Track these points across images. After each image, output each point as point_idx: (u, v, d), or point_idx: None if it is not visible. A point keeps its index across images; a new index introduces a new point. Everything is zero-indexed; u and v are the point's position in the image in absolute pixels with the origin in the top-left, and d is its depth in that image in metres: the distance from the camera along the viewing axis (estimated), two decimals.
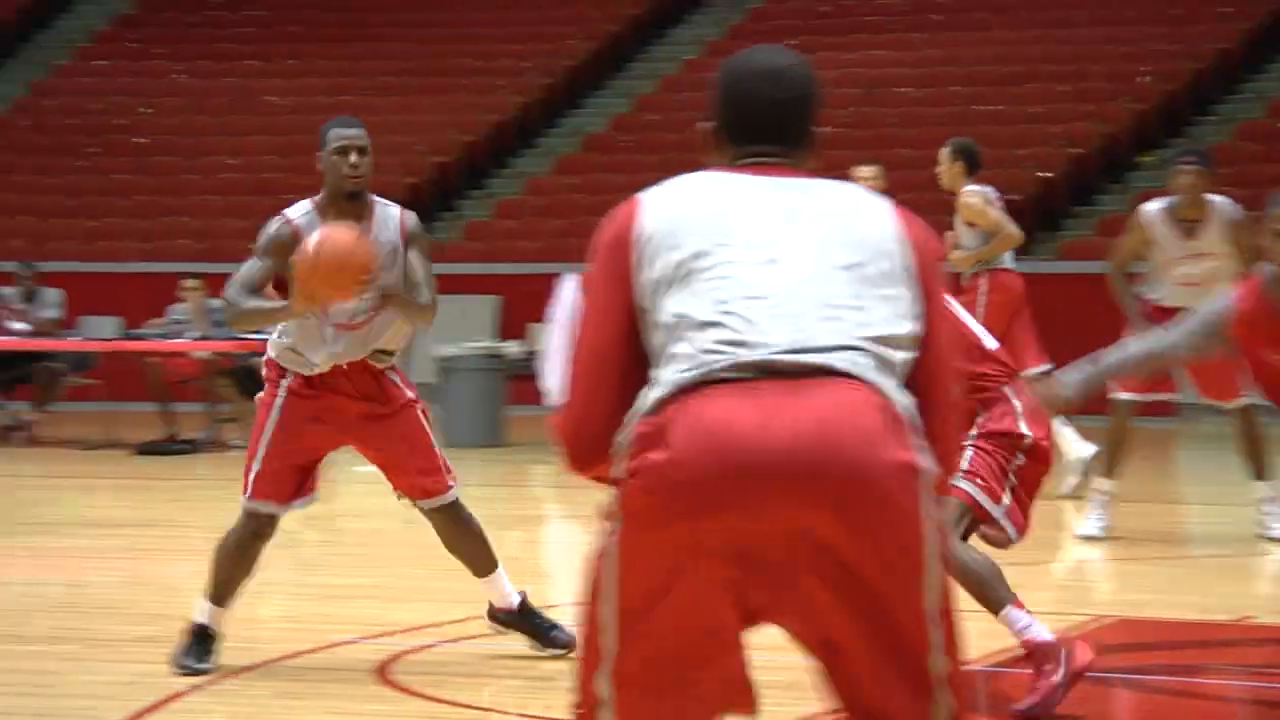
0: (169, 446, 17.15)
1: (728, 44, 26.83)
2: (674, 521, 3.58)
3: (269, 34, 28.05)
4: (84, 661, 8.07)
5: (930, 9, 26.23)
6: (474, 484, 15.85)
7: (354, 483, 16.04)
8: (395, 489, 8.23)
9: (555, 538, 13.79)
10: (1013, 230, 13.18)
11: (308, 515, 13.01)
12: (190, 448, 17.16)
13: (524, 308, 20.28)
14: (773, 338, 3.64)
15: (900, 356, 3.72)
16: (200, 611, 7.83)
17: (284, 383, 7.96)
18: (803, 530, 3.53)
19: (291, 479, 7.89)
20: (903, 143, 21.85)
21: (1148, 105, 23.40)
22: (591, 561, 3.78)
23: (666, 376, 3.66)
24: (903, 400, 3.64)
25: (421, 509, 8.21)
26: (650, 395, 3.68)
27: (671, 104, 25.60)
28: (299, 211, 7.89)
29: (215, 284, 17.96)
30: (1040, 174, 22.23)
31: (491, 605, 8.22)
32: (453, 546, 8.25)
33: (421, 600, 9.63)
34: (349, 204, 7.76)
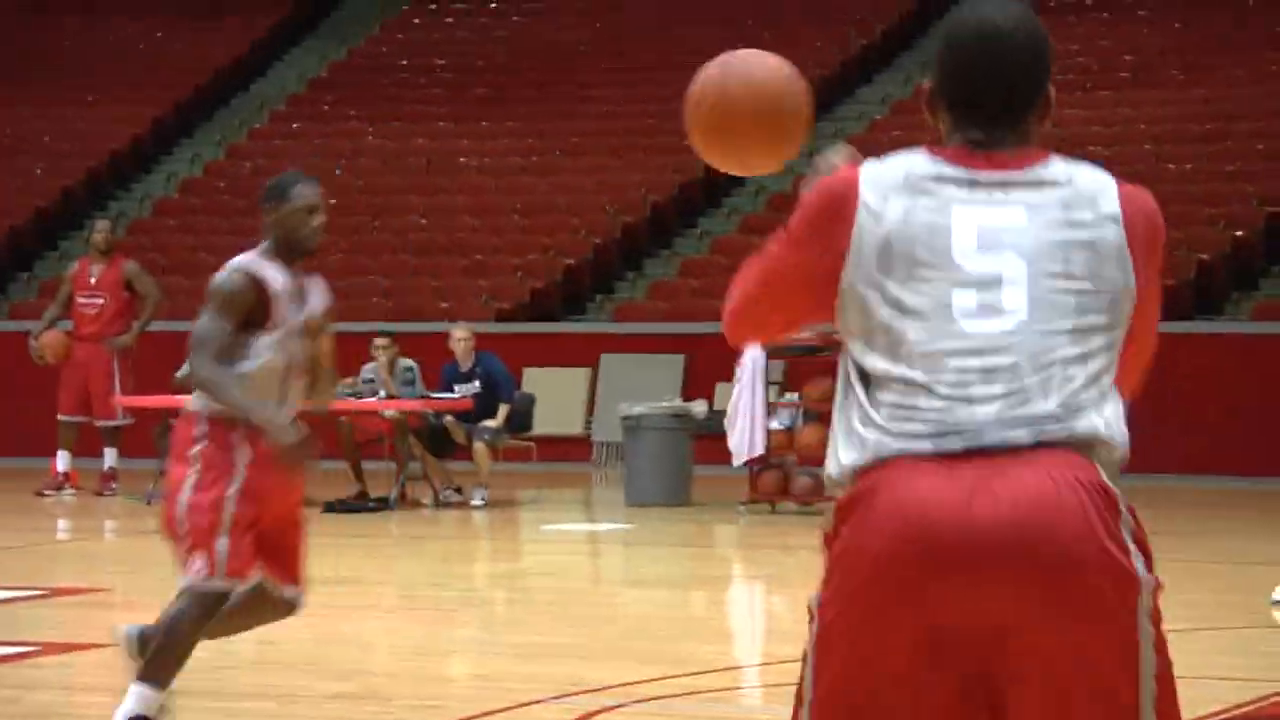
0: (358, 504, 17.31)
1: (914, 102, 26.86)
2: (874, 616, 3.45)
3: (459, 96, 28.33)
4: (279, 718, 8.19)
5: (1118, 66, 26.08)
6: (659, 543, 15.98)
7: (542, 540, 16.19)
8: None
9: (740, 599, 13.80)
10: None
11: (495, 574, 13.14)
12: (379, 505, 17.31)
13: (710, 367, 20.32)
14: (983, 410, 3.45)
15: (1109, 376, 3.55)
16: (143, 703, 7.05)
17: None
18: (1009, 626, 3.37)
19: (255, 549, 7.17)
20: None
21: None
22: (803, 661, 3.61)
23: (869, 436, 3.49)
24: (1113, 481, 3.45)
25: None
26: (851, 457, 3.52)
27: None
28: (249, 262, 7.33)
29: (405, 343, 18.28)
30: (1234, 233, 22.01)
31: None
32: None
33: (613, 659, 9.67)
34: (298, 262, 7.43)
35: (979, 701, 3.41)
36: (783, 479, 17.10)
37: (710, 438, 17.76)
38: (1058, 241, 3.55)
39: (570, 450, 21.65)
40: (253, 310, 7.20)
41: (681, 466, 17.88)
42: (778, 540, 15.67)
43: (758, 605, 13.12)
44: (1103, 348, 3.54)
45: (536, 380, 21.06)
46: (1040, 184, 3.60)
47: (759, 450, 16.75)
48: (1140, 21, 27.21)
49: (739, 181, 26.17)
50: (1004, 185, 3.58)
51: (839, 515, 3.52)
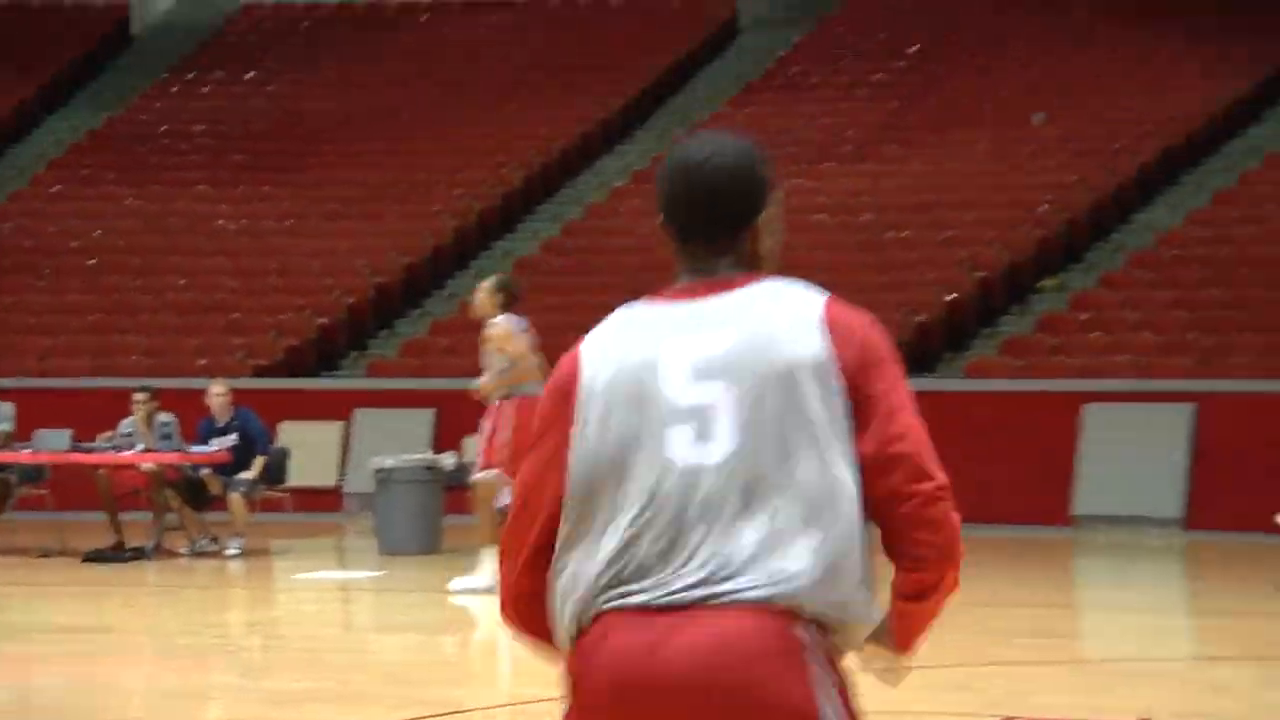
0: (116, 555, 17.01)
1: (639, 185, 26.98)
2: None
3: (218, 162, 28.04)
4: None
5: (842, 141, 26.46)
6: (410, 590, 15.83)
7: (295, 589, 15.96)
8: None
9: (487, 642, 13.69)
10: (534, 361, 13.83)
11: (250, 621, 12.93)
12: (137, 555, 17.02)
13: (459, 421, 20.22)
14: (677, 574, 3.37)
15: (845, 507, 3.40)
16: None
17: None
18: None
19: None
20: (818, 265, 21.96)
21: (1049, 232, 23.62)
22: None
23: (570, 607, 3.46)
24: (809, 630, 3.37)
25: None
26: (564, 625, 3.48)
27: (599, 230, 25.73)
28: None
29: (165, 398, 18.00)
30: (947, 296, 22.37)
31: None
32: None
33: (365, 703, 9.53)
34: None
35: None
36: None
37: (459, 489, 17.68)
38: (763, 365, 3.46)
39: (324, 501, 21.43)
40: None
41: (431, 516, 17.78)
42: None
43: (504, 648, 13.02)
44: (810, 449, 3.43)
45: (291, 434, 20.82)
46: (748, 308, 3.52)
47: (506, 500, 16.73)
48: (861, 100, 27.63)
49: (486, 246, 26.19)
50: (713, 312, 3.54)
51: (566, 674, 3.52)
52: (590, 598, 3.44)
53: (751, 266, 3.62)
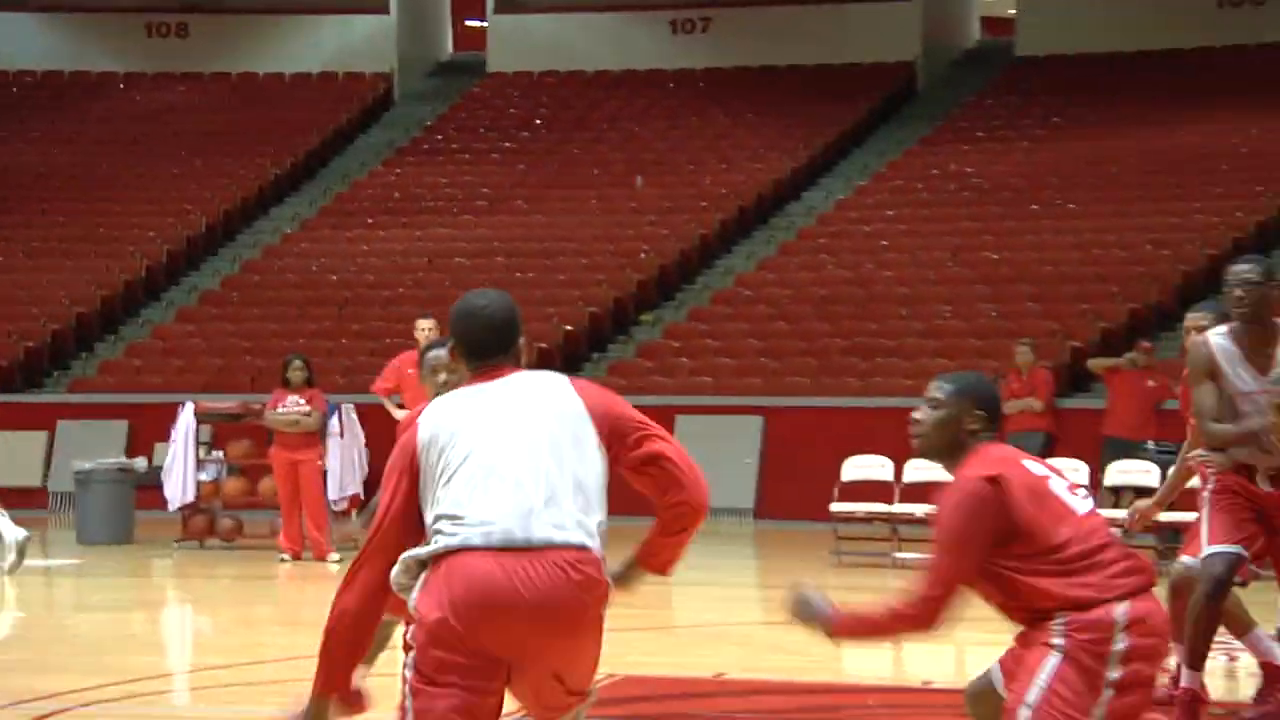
0: None
1: (320, 220, 26.77)
2: (456, 638, 4.47)
3: None
4: None
5: (478, 196, 26.53)
6: (105, 575, 15.44)
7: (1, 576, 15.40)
8: None
9: (173, 619, 13.42)
10: None
11: None
12: None
13: (150, 431, 19.84)
14: (504, 524, 4.52)
15: (595, 485, 4.69)
16: None
17: None
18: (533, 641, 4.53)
19: None
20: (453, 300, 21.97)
21: (647, 275, 23.97)
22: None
23: (436, 542, 4.54)
24: (596, 549, 4.64)
25: None
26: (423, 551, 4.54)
27: (273, 269, 25.41)
28: None
29: None
30: (565, 327, 22.56)
31: None
32: None
33: (63, 672, 9.25)
34: None
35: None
36: (210, 521, 16.91)
37: (150, 488, 17.36)
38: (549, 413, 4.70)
39: (30, 499, 20.86)
40: None
41: (125, 511, 17.37)
42: (205, 571, 15.32)
43: (188, 623, 12.80)
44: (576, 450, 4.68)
45: (1, 442, 20.26)
46: (521, 385, 4.74)
47: (190, 497, 16.59)
48: (494, 163, 27.74)
49: (174, 280, 25.68)
50: (497, 390, 4.72)
51: (421, 591, 4.64)
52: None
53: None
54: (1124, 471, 16.26)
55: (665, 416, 20.26)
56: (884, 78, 28.06)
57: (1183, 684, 7.84)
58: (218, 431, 18.00)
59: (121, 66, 30.68)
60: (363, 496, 17.05)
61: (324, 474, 15.85)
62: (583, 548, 4.60)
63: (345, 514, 16.48)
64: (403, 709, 4.58)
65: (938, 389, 5.11)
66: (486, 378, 4.73)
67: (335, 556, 15.50)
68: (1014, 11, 28.62)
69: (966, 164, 25.43)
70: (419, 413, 4.81)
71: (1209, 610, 7.60)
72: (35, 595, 14.50)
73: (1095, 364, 18.87)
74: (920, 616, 4.89)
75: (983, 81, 27.90)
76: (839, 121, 27.24)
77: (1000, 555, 4.91)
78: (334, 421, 16.16)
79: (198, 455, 16.78)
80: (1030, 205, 23.95)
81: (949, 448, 5.06)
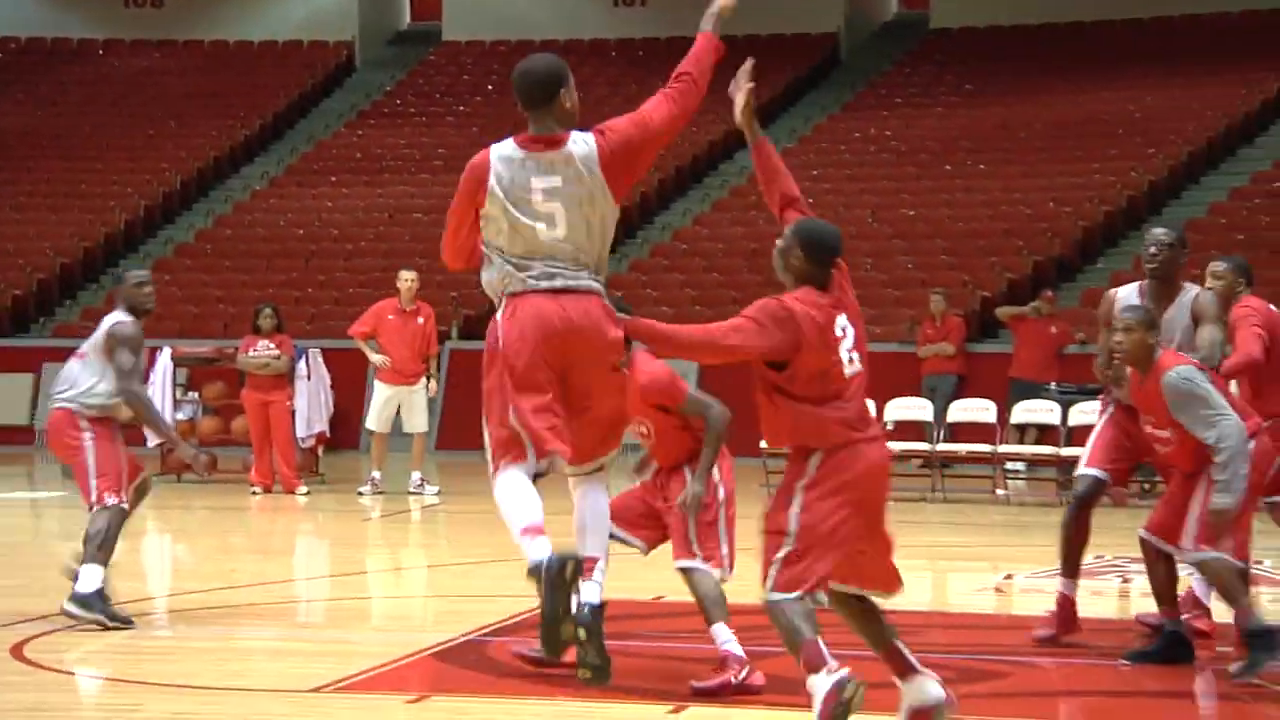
0: None
1: (286, 179, 26.56)
2: (529, 341, 5.54)
3: None
4: None
5: (435, 157, 26.38)
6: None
7: None
8: None
9: (152, 547, 13.32)
10: None
11: None
12: None
13: None
14: (557, 272, 5.56)
15: (601, 243, 5.71)
16: None
17: None
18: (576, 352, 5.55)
19: None
20: (418, 253, 21.89)
21: None
22: (491, 335, 5.62)
23: (510, 284, 5.62)
24: (608, 300, 5.67)
25: None
26: (506, 287, 5.63)
27: (243, 223, 25.21)
28: None
29: None
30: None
31: None
32: None
33: (51, 594, 9.18)
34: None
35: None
36: None
37: (130, 427, 17.19)
38: (579, 193, 5.63)
39: (19, 436, 20.75)
40: None
41: None
42: (182, 503, 15.23)
43: (166, 551, 12.74)
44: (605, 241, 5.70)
45: None
46: (567, 157, 5.66)
47: None
48: (449, 125, 27.55)
49: (152, 233, 25.46)
50: (548, 160, 5.65)
51: (504, 310, 5.65)
52: (521, 280, 5.62)
53: (563, 120, 5.73)
54: (1029, 410, 16.39)
55: None
56: (810, 48, 28.02)
57: (1059, 590, 8.02)
58: (193, 374, 17.88)
59: (101, 34, 30.35)
60: (328, 434, 17.00)
61: (292, 413, 15.77)
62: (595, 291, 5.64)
63: (312, 450, 16.41)
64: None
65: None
66: (535, 143, 5.69)
67: (303, 489, 15.45)
68: None
69: (886, 128, 25.44)
70: None
71: (1073, 523, 7.96)
72: (23, 524, 14.40)
73: (1003, 312, 18.97)
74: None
75: (901, 52, 27.90)
76: (768, 88, 27.18)
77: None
78: (301, 365, 16.09)
79: (175, 396, 16.68)
80: (944, 167, 23.99)
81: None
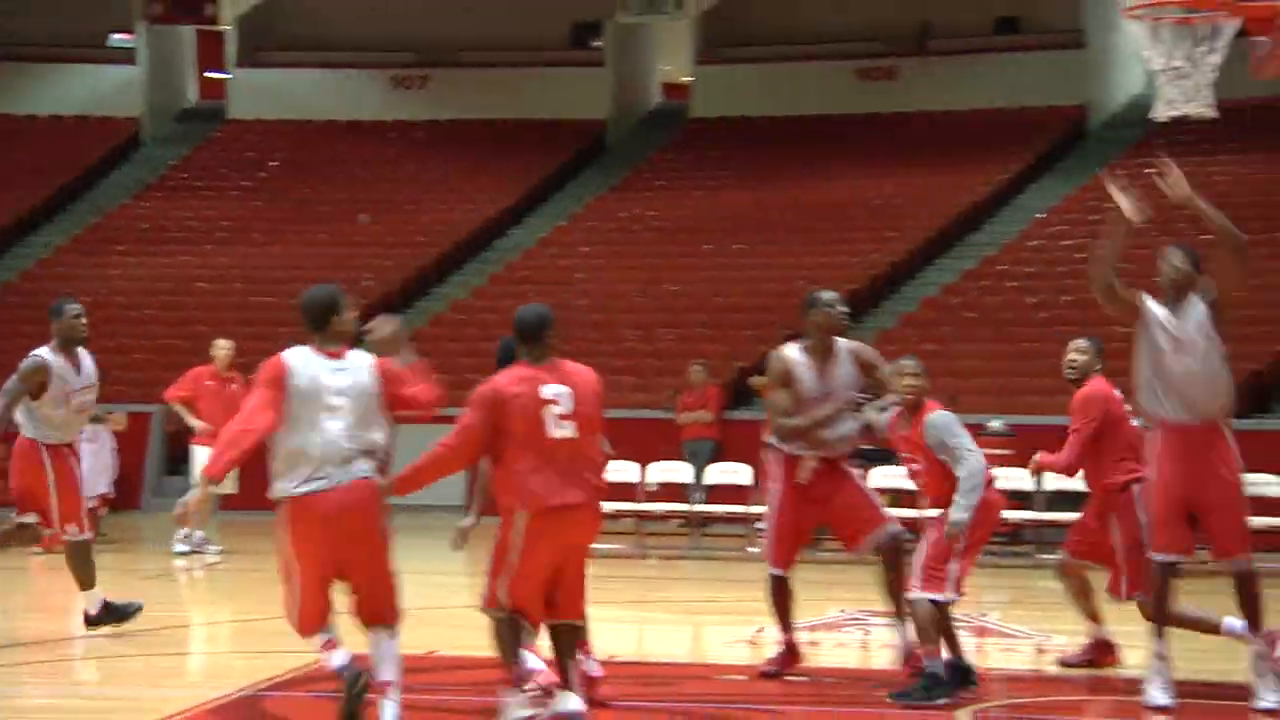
0: None
1: (73, 247, 25.87)
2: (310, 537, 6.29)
3: None
4: None
5: (219, 229, 25.95)
6: None
7: None
8: None
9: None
10: None
11: None
12: None
13: None
14: (338, 469, 6.31)
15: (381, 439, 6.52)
16: None
17: None
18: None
19: None
20: (200, 322, 21.49)
21: (372, 299, 23.74)
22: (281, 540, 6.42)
23: (296, 481, 6.37)
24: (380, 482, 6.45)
25: None
26: (289, 487, 6.37)
27: (30, 290, 24.49)
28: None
29: None
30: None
31: None
32: None
33: None
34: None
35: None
36: None
37: None
38: (360, 387, 6.56)
39: None
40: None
41: None
42: None
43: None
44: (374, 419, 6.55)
45: None
46: (354, 362, 6.62)
47: None
48: (233, 198, 27.20)
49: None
50: (339, 364, 6.58)
51: (290, 506, 6.38)
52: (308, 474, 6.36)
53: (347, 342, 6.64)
54: None
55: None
56: (580, 133, 28.28)
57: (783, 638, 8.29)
58: None
59: None
60: (112, 495, 16.51)
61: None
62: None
63: (95, 511, 15.94)
64: None
65: None
66: (328, 353, 6.58)
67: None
68: (690, 79, 29.13)
69: (650, 209, 25.76)
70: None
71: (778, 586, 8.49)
72: None
73: (756, 381, 19.26)
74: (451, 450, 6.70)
75: (664, 138, 28.31)
76: (541, 170, 27.38)
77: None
78: (86, 427, 15.62)
79: None
80: (704, 246, 24.35)
81: None
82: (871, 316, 22.06)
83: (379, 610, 6.42)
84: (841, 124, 27.13)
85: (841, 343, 8.36)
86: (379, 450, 6.44)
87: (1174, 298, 7.48)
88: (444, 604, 11.94)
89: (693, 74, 28.92)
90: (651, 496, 16.03)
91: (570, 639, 6.67)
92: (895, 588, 8.19)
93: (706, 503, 16.40)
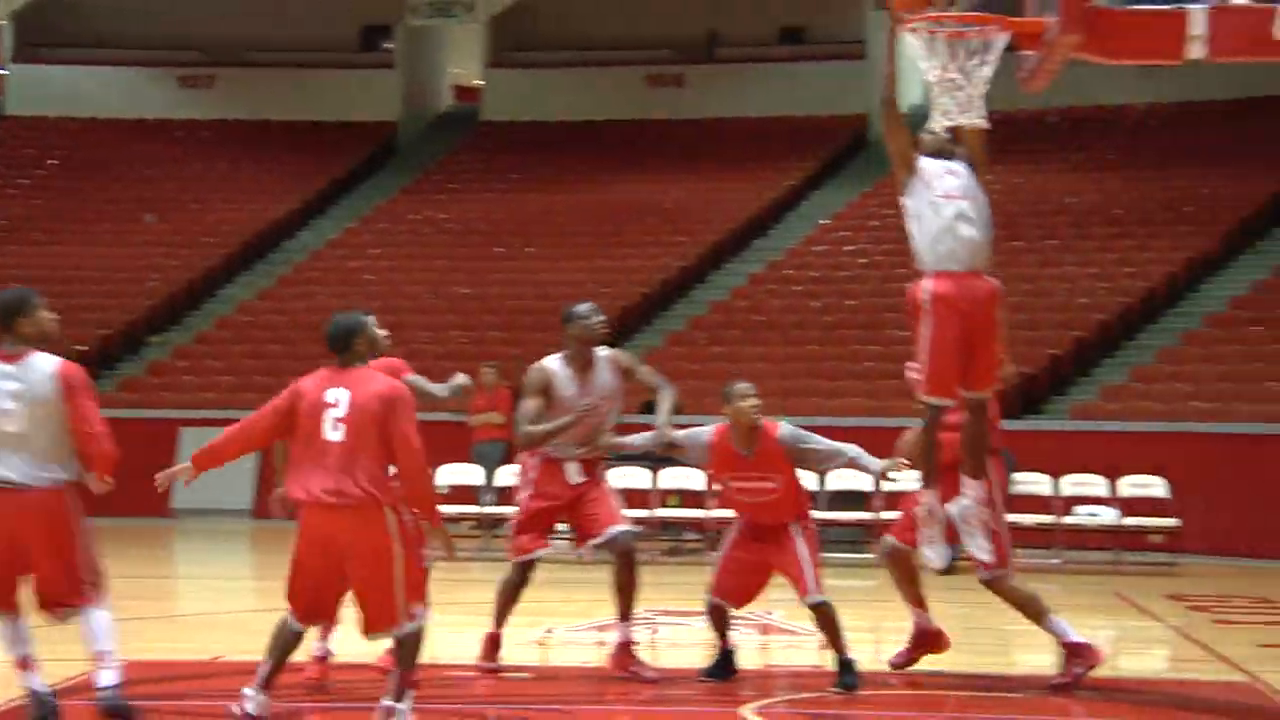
0: None
1: None
2: None
3: None
4: None
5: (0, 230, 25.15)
6: None
7: None
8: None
9: None
10: None
11: None
12: None
13: None
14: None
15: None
16: None
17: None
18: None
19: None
20: None
21: (156, 300, 23.13)
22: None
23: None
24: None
25: None
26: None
27: None
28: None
29: None
30: (78, 347, 21.55)
31: None
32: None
33: None
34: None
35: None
36: None
37: None
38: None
39: None
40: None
41: None
42: None
43: None
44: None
45: None
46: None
47: None
48: (9, 197, 26.31)
49: None
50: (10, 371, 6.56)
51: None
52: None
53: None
54: None
55: (170, 429, 19.55)
56: (370, 135, 27.98)
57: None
58: None
59: None
60: None
61: None
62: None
63: None
64: None
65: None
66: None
67: None
68: (480, 82, 29.03)
69: (441, 212, 25.59)
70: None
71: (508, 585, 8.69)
72: None
73: None
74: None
75: (455, 141, 28.15)
76: (330, 171, 27.02)
77: None
78: None
79: None
80: (495, 248, 24.26)
81: None
82: (660, 320, 22.20)
83: (61, 594, 6.69)
84: (631, 129, 27.28)
85: (600, 352, 8.47)
86: (66, 460, 6.65)
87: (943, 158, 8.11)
88: (228, 609, 11.69)
89: (484, 77, 28.82)
90: (442, 499, 15.89)
91: (404, 653, 6.78)
92: (626, 588, 8.26)
93: (497, 504, 16.33)
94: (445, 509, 16.28)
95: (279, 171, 26.78)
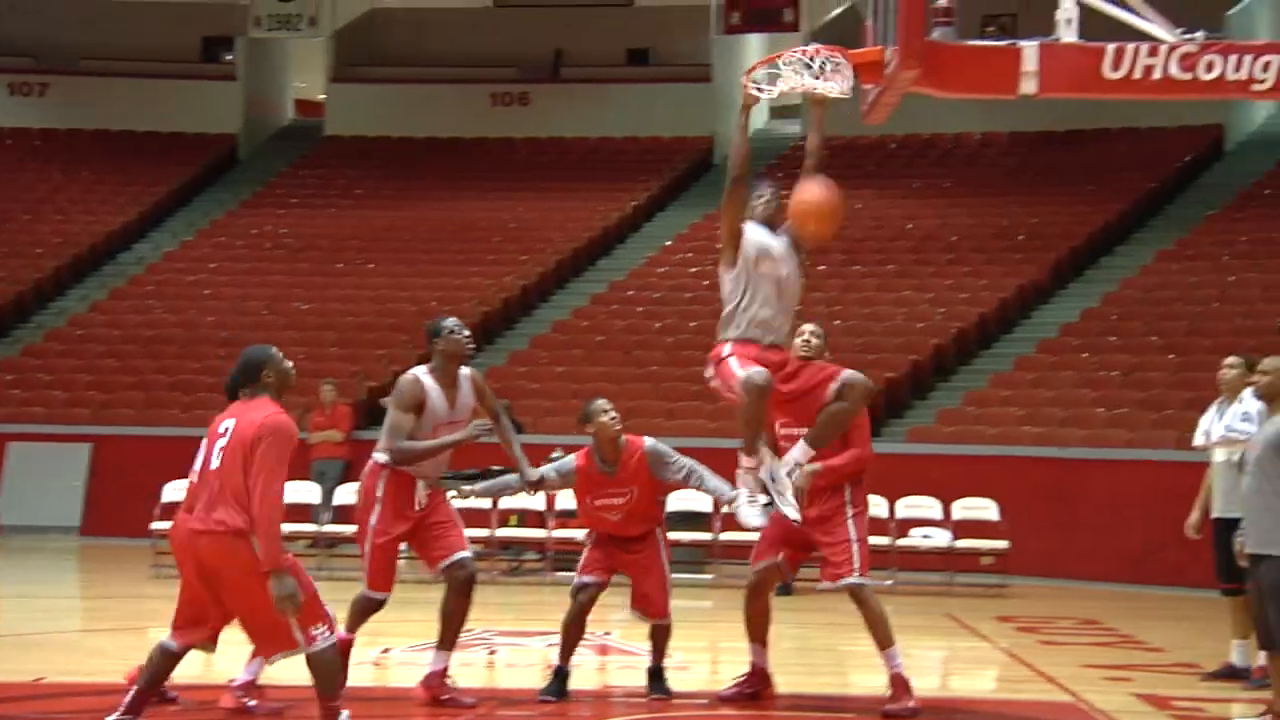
0: None
1: None
2: None
3: None
4: None
5: None
6: None
7: None
8: None
9: None
10: None
11: None
12: None
13: None
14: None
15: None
16: None
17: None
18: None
19: None
20: None
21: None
22: None
23: None
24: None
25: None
26: None
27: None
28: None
29: None
30: None
31: None
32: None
33: None
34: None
35: None
36: None
37: None
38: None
39: None
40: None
41: None
42: None
43: None
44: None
45: None
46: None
47: None
48: None
49: None
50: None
51: None
52: None
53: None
54: None
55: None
56: (209, 146, 27.54)
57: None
58: None
59: None
60: None
61: None
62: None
63: None
64: None
65: None
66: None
67: None
68: (324, 96, 28.74)
69: (281, 225, 25.25)
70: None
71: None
72: None
73: (388, 402, 19.05)
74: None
75: (297, 155, 27.82)
76: (168, 182, 26.55)
77: None
78: None
79: None
80: (336, 264, 24.00)
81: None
82: (504, 338, 22.12)
83: None
84: (475, 147, 27.19)
85: (462, 370, 8.32)
86: None
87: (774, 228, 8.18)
88: (53, 629, 11.37)
89: (327, 92, 28.52)
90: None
91: (316, 678, 6.82)
92: (456, 614, 8.16)
93: (335, 523, 16.12)
94: (286, 527, 15.99)
95: (114, 182, 26.24)
